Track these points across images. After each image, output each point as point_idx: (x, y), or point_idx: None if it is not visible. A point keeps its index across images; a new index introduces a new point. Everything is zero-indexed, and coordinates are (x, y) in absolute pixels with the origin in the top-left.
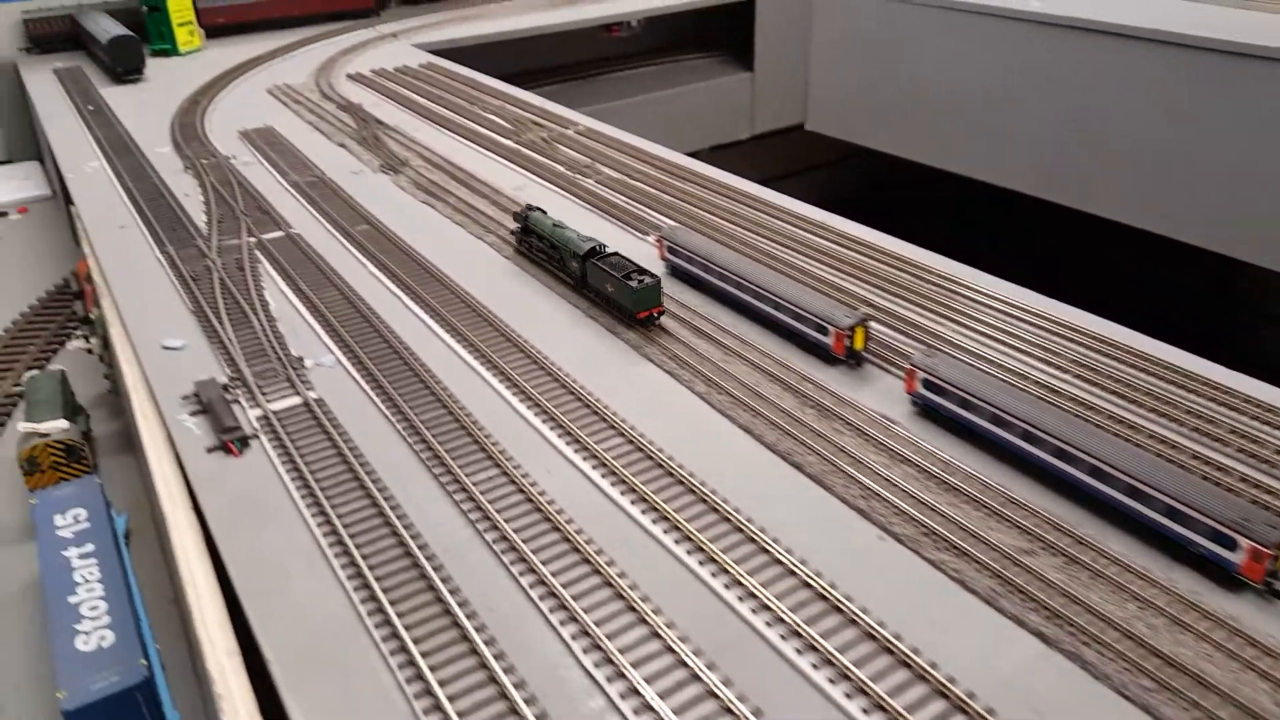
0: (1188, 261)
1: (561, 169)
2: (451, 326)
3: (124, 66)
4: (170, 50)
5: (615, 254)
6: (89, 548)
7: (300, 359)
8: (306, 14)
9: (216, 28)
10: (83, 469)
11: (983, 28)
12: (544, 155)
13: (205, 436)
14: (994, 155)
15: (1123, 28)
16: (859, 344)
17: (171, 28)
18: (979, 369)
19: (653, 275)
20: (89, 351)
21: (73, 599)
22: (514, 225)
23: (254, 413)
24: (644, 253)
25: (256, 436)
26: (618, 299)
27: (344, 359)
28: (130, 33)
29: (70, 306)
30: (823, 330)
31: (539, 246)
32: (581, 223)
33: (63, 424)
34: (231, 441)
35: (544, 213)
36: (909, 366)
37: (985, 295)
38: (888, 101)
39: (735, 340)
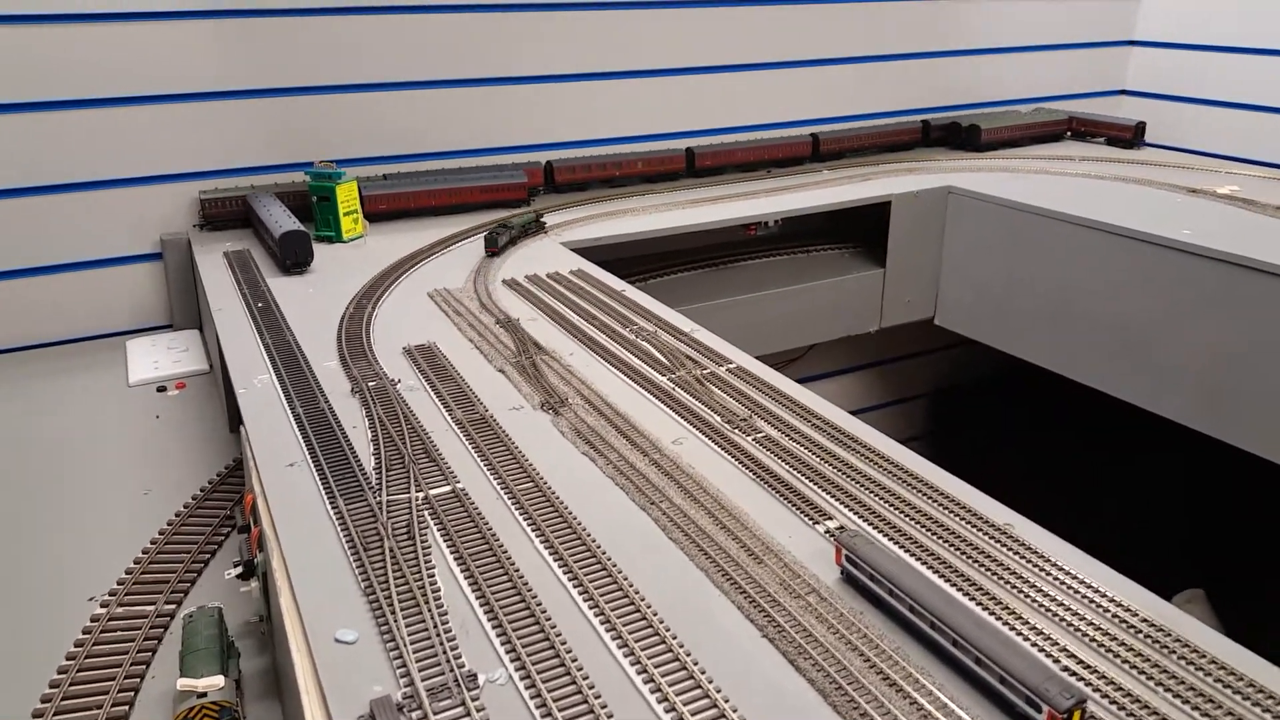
0: None
1: (717, 420)
2: (632, 653)
3: (293, 260)
4: (334, 237)
5: (499, 228)
6: None
7: (473, 675)
8: (461, 202)
9: (378, 213)
10: None
11: (1124, 248)
12: (698, 398)
13: None
14: (1138, 376)
15: None
16: None
17: (338, 216)
18: None
19: (499, 228)
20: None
21: None
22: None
23: None
24: (817, 548)
25: None
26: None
27: (516, 676)
28: (301, 228)
29: (225, 510)
30: (1034, 705)
31: (506, 231)
32: (746, 496)
33: (219, 680)
34: None
35: (505, 225)
36: None
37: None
38: (1020, 306)
39: (929, 697)
